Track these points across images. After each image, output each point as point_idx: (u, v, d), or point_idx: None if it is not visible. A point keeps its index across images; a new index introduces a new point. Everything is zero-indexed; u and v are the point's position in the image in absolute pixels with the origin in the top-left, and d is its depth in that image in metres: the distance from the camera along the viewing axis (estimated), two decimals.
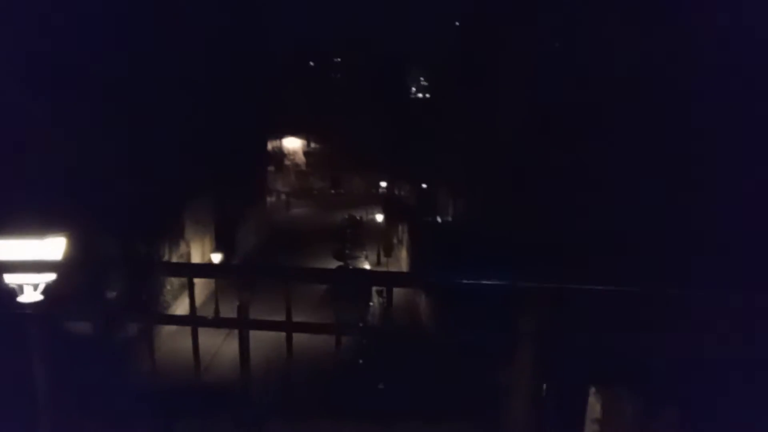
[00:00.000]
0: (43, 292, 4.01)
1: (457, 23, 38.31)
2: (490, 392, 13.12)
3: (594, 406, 8.82)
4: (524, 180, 22.42)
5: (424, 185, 47.59)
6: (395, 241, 38.17)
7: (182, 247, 24.68)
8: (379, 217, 39.88)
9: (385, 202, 48.54)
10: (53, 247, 3.94)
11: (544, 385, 10.49)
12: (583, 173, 16.91)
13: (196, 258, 25.91)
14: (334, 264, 32.07)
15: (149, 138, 21.14)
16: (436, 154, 40.96)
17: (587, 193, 16.41)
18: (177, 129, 23.40)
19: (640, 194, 13.03)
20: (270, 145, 57.09)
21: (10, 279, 3.87)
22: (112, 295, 19.80)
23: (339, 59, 64.19)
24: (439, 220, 37.67)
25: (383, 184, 58.35)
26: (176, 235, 24.28)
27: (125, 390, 15.49)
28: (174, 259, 23.67)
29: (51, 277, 4.03)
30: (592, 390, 8.82)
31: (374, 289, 28.98)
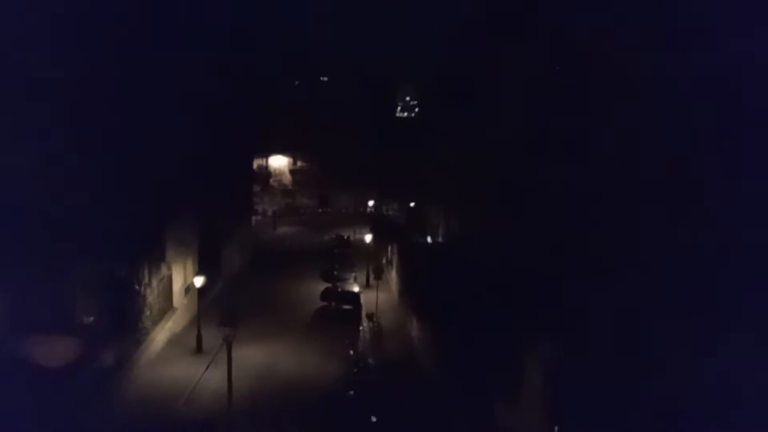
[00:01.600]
0: None
1: (445, 42, 37.98)
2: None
3: None
4: (516, 200, 21.76)
5: (412, 204, 46.87)
6: (385, 261, 37.25)
7: (163, 270, 23.56)
8: (368, 237, 38.95)
9: (374, 222, 47.71)
10: None
11: (556, 428, 9.54)
12: (574, 190, 16.34)
13: (177, 281, 24.79)
14: (321, 285, 31.09)
15: (129, 157, 20.20)
16: (424, 173, 40.34)
17: (581, 210, 15.79)
18: (158, 147, 22.46)
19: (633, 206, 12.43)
20: (255, 164, 56.14)
21: None
22: (88, 321, 18.85)
23: (326, 78, 63.73)
24: (429, 240, 36.87)
25: (371, 203, 57.54)
26: (156, 258, 23.18)
27: (98, 427, 14.32)
28: (154, 283, 22.53)
29: None
30: None
31: (364, 313, 28.10)
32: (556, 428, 10.98)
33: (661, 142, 11.49)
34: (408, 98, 66.06)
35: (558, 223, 16.98)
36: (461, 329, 16.99)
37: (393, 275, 33.80)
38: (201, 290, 23.20)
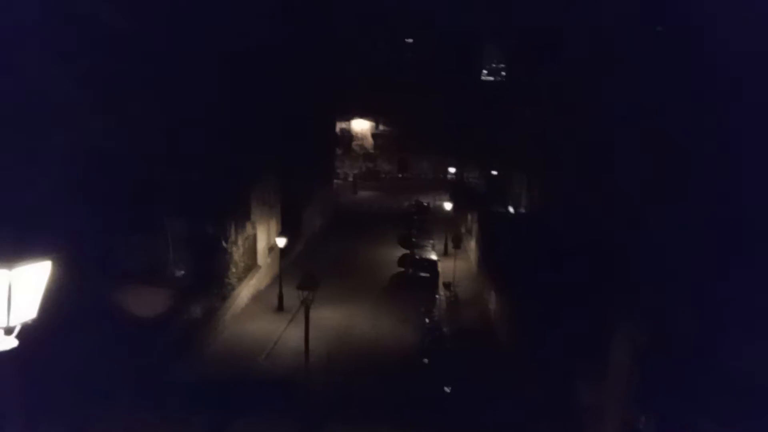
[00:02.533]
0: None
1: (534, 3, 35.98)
2: (568, 413, 11.74)
3: None
4: (603, 171, 20.50)
5: (495, 172, 45.65)
6: (464, 230, 36.72)
7: (248, 229, 24.42)
8: (448, 205, 38.44)
9: (454, 189, 46.97)
10: (28, 277, 3.01)
11: (642, 417, 8.93)
12: (663, 160, 15.12)
13: (261, 240, 25.65)
14: (399, 251, 31.16)
15: (218, 121, 20.85)
16: (509, 141, 39.01)
17: (669, 181, 14.61)
18: (245, 111, 23.01)
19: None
20: (338, 127, 56.65)
21: None
22: (179, 274, 19.93)
23: (411, 40, 62.61)
24: (511, 210, 35.86)
25: (452, 169, 56.67)
26: (243, 217, 24.03)
27: (187, 374, 15.19)
28: (240, 241, 23.42)
29: (30, 314, 3.09)
30: None
31: (441, 281, 27.94)
32: (639, 414, 10.44)
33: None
34: (494, 61, 63.79)
35: (645, 195, 15.86)
36: (541, 302, 16.40)
37: (472, 244, 33.28)
38: (283, 250, 23.87)
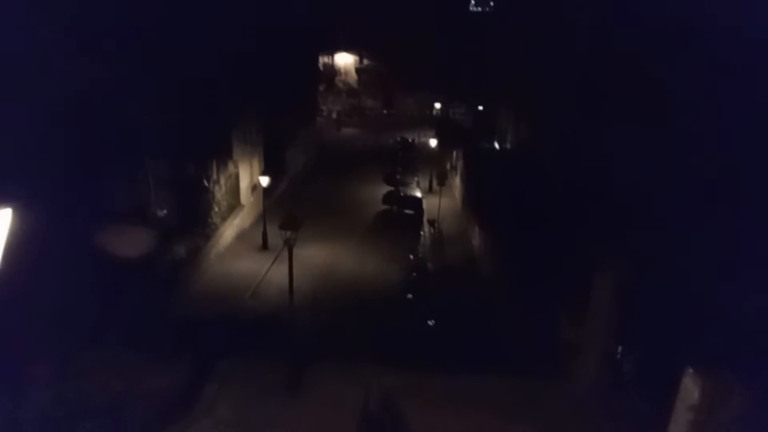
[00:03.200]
0: None
1: None
2: (551, 346, 11.93)
3: (690, 390, 7.52)
4: (593, 106, 20.14)
5: (480, 108, 45.01)
6: (449, 167, 36.51)
7: (230, 168, 23.95)
8: (433, 141, 38.02)
9: (440, 125, 46.39)
10: None
11: (619, 347, 9.06)
12: (659, 96, 14.80)
13: (244, 179, 25.23)
14: (384, 189, 30.99)
15: (197, 57, 19.93)
16: (495, 75, 38.16)
17: (664, 117, 14.36)
18: (224, 46, 22.00)
19: None
20: (320, 62, 54.98)
21: None
22: (161, 213, 19.61)
23: None
24: (496, 146, 35.59)
25: (438, 105, 55.73)
26: (224, 156, 23.52)
27: (173, 314, 15.18)
28: (222, 181, 23.01)
29: None
30: (690, 371, 7.52)
31: (426, 218, 27.95)
32: (620, 348, 10.66)
33: None
34: None
35: (634, 131, 15.63)
36: (526, 239, 16.45)
37: (457, 181, 33.17)
38: (266, 189, 23.55)
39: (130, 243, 16.59)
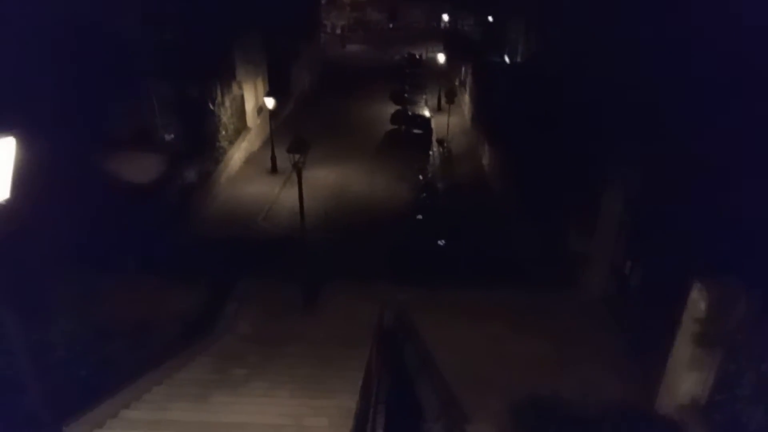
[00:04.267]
0: None
1: None
2: (559, 260, 12.09)
3: (697, 303, 7.64)
4: (608, 16, 19.17)
5: (490, 18, 43.11)
6: (458, 83, 35.58)
7: (235, 90, 23.50)
8: (441, 56, 36.78)
9: (448, 39, 44.72)
10: None
11: (628, 262, 9.16)
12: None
13: (249, 101, 24.80)
14: (391, 108, 30.45)
15: None
16: None
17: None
18: None
19: None
20: None
21: None
22: (169, 137, 19.52)
23: None
24: (507, 60, 34.42)
25: (445, 17, 53.42)
26: (228, 78, 22.99)
27: (187, 237, 15.47)
28: (227, 102, 22.64)
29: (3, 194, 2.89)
30: (697, 285, 7.60)
31: (435, 137, 27.63)
32: (629, 263, 10.81)
33: None
34: None
35: (649, 44, 14.96)
36: (535, 154, 16.27)
37: (466, 98, 32.45)
38: (272, 111, 23.21)
39: (139, 169, 16.63)
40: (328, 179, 22.01)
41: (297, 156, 10.63)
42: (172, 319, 10.31)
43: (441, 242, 16.97)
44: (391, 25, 59.20)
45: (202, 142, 20.31)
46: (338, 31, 54.81)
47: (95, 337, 8.41)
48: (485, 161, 24.10)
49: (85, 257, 10.67)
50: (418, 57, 43.66)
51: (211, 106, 21.26)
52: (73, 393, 6.76)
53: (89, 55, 14.30)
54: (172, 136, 19.46)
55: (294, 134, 11.50)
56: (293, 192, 19.13)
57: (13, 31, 11.16)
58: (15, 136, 3.02)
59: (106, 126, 15.72)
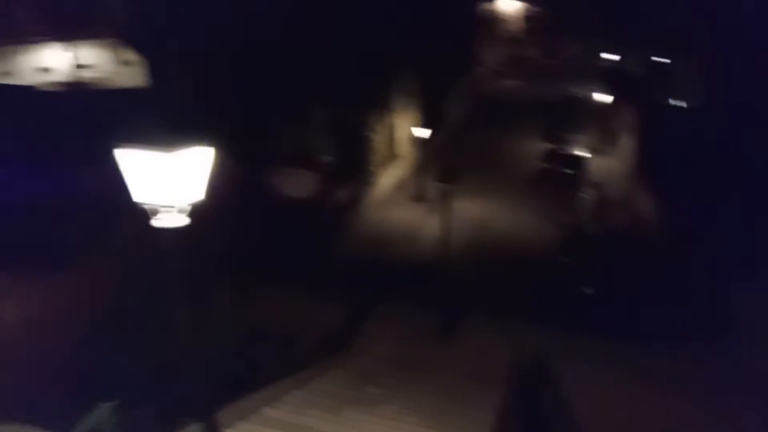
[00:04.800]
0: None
1: None
2: (712, 320, 10.72)
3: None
4: None
5: (658, 59, 40.47)
6: (616, 125, 33.66)
7: (388, 118, 24.46)
8: (599, 95, 35.19)
9: (607, 78, 42.69)
10: (192, 161, 3.12)
11: None
12: None
13: (401, 129, 25.62)
14: (543, 145, 29.62)
15: (357, 7, 20.31)
16: (678, 20, 33.85)
17: None
18: None
19: None
20: (481, 8, 52.99)
21: (143, 198, 3.15)
22: (325, 159, 20.80)
23: None
24: (674, 103, 31.95)
25: (606, 55, 51.14)
26: (382, 106, 24.01)
27: (335, 254, 16.21)
28: (380, 130, 23.60)
29: (195, 198, 3.23)
30: None
31: (587, 179, 26.28)
32: None
33: None
34: None
35: None
36: (703, 211, 14.75)
37: (625, 141, 30.54)
38: (423, 140, 23.70)
39: (298, 185, 17.88)
40: (473, 212, 21.79)
41: (445, 185, 10.71)
42: (315, 329, 10.76)
43: (588, 290, 15.92)
44: (549, 62, 58.02)
45: (355, 166, 21.32)
46: (494, 66, 54.91)
47: (246, 336, 9.02)
48: (643, 209, 22.34)
49: (243, 261, 11.59)
50: (574, 95, 42.20)
51: (366, 132, 22.31)
52: (225, 385, 7.27)
53: (273, 79, 15.75)
54: (329, 157, 20.72)
55: (442, 164, 11.63)
56: (438, 221, 19.34)
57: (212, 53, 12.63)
58: (214, 146, 3.37)
59: (275, 144, 17.12)
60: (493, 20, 57.94)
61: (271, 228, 13.53)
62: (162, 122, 3.04)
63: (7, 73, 26.06)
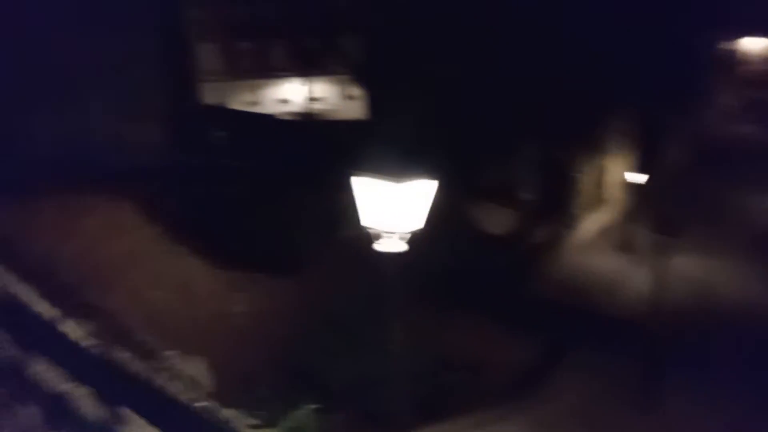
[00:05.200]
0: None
1: None
2: None
3: None
4: None
5: None
6: None
7: (598, 160, 23.23)
8: None
9: None
10: (416, 191, 3.39)
11: None
12: None
13: (612, 173, 24.09)
14: None
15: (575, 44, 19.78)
16: None
17: None
18: (597, 33, 21.08)
19: None
20: (719, 46, 47.64)
21: (370, 223, 3.47)
22: (526, 197, 20.55)
23: None
24: None
25: None
26: (593, 147, 22.89)
27: (528, 294, 15.83)
28: (587, 171, 22.51)
29: (416, 226, 3.49)
30: None
31: None
32: None
33: None
34: None
35: None
36: None
37: None
38: (637, 185, 21.97)
39: (499, 220, 17.88)
40: (690, 272, 19.33)
41: (663, 238, 9.78)
42: (502, 367, 10.56)
43: None
44: None
45: (557, 206, 20.60)
46: (727, 110, 48.86)
47: (435, 363, 9.20)
48: None
49: (442, 289, 11.87)
50: None
51: (572, 173, 21.45)
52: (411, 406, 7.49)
53: (489, 114, 16.09)
54: (532, 195, 20.32)
55: (660, 214, 10.65)
56: (646, 276, 17.57)
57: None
58: (436, 179, 3.63)
59: (482, 177, 17.38)
60: (733, 60, 51.77)
61: (470, 260, 13.70)
62: (396, 155, 3.38)
63: (253, 103, 30.85)
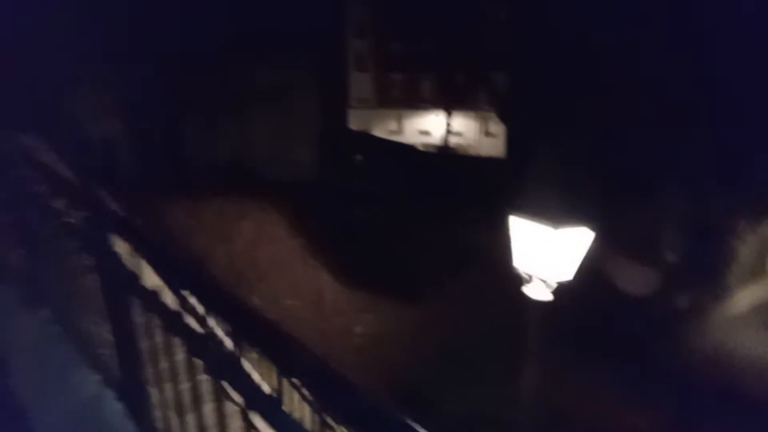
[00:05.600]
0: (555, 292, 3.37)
1: None
2: None
3: None
4: None
5: None
6: None
7: (764, 228, 20.72)
8: None
9: None
10: (572, 239, 3.20)
11: None
12: None
13: (746, 260, 21.34)
14: None
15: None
16: None
17: None
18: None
19: None
20: None
21: (521, 265, 3.39)
22: (671, 258, 18.89)
23: None
24: None
25: None
26: (757, 212, 20.50)
27: (657, 362, 14.47)
28: (750, 239, 20.16)
29: (567, 276, 3.32)
30: None
31: None
32: None
33: None
34: None
35: None
36: None
37: None
38: None
39: (636, 279, 16.65)
40: None
41: None
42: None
43: None
44: None
45: (708, 272, 18.70)
46: None
47: (541, 415, 8.68)
48: None
49: (563, 341, 11.25)
50: None
51: (729, 238, 19.42)
52: None
53: (644, 167, 15.22)
54: (675, 258, 18.65)
55: None
56: None
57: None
58: (593, 229, 3.45)
59: (624, 230, 16.38)
60: None
61: (605, 317, 12.87)
62: (553, 199, 3.31)
63: (396, 132, 31.82)
